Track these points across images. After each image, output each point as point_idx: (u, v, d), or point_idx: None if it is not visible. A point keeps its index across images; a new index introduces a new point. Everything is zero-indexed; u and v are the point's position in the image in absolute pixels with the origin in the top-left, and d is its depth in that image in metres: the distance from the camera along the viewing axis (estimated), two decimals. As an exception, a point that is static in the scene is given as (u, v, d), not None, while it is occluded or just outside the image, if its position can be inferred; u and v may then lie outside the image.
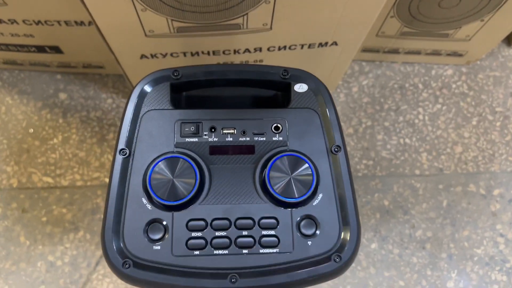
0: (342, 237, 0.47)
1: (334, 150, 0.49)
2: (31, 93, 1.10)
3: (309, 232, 0.47)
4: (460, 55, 1.13)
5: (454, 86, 1.17)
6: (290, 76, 0.51)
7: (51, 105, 1.10)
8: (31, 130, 1.08)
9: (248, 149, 0.49)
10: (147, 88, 0.50)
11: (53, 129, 1.08)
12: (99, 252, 1.01)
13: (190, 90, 0.54)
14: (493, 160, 1.11)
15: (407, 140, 1.12)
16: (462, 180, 1.09)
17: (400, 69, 1.18)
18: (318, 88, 0.51)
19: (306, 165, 0.48)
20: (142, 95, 0.50)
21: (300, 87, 0.51)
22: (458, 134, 1.13)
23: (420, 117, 1.14)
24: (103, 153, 1.07)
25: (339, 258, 0.46)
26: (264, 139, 0.49)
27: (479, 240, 1.05)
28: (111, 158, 1.06)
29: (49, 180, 1.05)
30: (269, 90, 0.54)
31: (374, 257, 1.04)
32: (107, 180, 1.05)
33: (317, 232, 0.47)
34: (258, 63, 0.91)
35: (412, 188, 1.08)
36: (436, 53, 1.13)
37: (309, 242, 0.46)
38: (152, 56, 0.80)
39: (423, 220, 1.06)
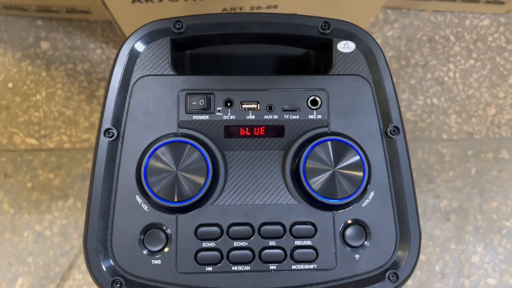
0: (399, 249, 0.36)
1: (391, 132, 0.37)
2: (8, 42, 0.98)
3: (356, 242, 0.37)
4: (501, 2, 1.00)
5: (490, 38, 1.04)
6: (332, 30, 0.38)
7: (32, 56, 0.97)
8: (10, 85, 0.96)
9: (276, 130, 0.38)
10: (140, 46, 0.38)
11: (36, 83, 0.96)
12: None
13: (197, 48, 0.41)
14: (529, 124, 1.00)
15: (435, 100, 1.01)
16: (494, 145, 1.00)
17: (430, 19, 1.05)
18: (370, 47, 0.38)
19: (355, 154, 0.36)
20: (133, 55, 0.37)
21: (346, 46, 0.38)
22: (492, 94, 1.01)
23: (451, 74, 1.02)
24: (92, 111, 0.95)
25: (395, 276, 0.36)
26: (298, 117, 0.38)
27: (509, 212, 0.97)
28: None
29: (33, 141, 0.95)
30: (303, 49, 0.41)
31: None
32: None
33: (367, 242, 0.37)
34: (271, 8, 0.78)
35: (438, 154, 0.99)
36: (473, 0, 0.99)
37: (357, 256, 0.37)
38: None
39: (448, 189, 0.98)
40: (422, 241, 0.97)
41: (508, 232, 0.96)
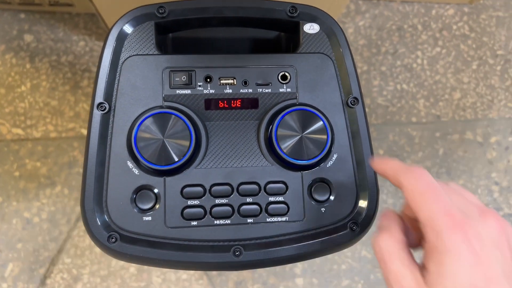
0: (359, 202, 0.41)
1: (351, 103, 0.42)
2: (-9, 35, 0.99)
3: (322, 197, 0.41)
4: (464, -7, 1.05)
5: (455, 27, 1.09)
6: (298, 13, 0.43)
7: (15, 48, 0.99)
8: (-5, 77, 0.97)
9: (251, 102, 0.42)
10: (127, 29, 0.42)
11: (20, 75, 0.98)
12: (79, 208, 0.95)
13: (178, 31, 0.45)
14: (491, 107, 1.06)
15: (404, 86, 1.06)
16: (460, 127, 1.05)
17: (398, 9, 1.10)
18: (332, 28, 0.43)
19: (320, 121, 0.41)
20: (122, 37, 0.41)
21: (311, 28, 0.43)
22: (457, 79, 1.07)
23: (419, 61, 1.07)
24: (77, 101, 0.97)
25: (356, 226, 0.40)
26: (270, 90, 0.42)
27: (473, 189, 1.02)
28: (86, 107, 0.97)
29: (20, 131, 0.96)
30: (274, 31, 0.46)
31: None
32: (83, 131, 0.96)
33: (331, 197, 0.42)
34: None
35: (408, 137, 1.04)
36: (438, -10, 1.04)
37: (323, 209, 0.41)
38: (129, -9, 0.70)
39: (418, 169, 1.03)
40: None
41: (473, 207, 1.02)
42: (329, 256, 0.97)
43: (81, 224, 0.95)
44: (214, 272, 0.93)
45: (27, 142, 0.96)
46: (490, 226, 0.29)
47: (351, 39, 1.07)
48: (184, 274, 0.93)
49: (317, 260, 0.96)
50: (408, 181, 0.30)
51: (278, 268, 0.95)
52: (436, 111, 1.05)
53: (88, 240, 0.94)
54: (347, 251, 0.97)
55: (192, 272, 0.93)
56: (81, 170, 0.96)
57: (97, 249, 0.93)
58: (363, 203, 0.41)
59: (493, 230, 0.28)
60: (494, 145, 1.05)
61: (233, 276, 0.94)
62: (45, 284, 0.92)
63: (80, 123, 0.98)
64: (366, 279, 0.96)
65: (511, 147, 1.04)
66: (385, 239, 0.30)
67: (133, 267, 0.93)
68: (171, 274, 0.93)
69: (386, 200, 1.00)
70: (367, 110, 1.04)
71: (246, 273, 0.94)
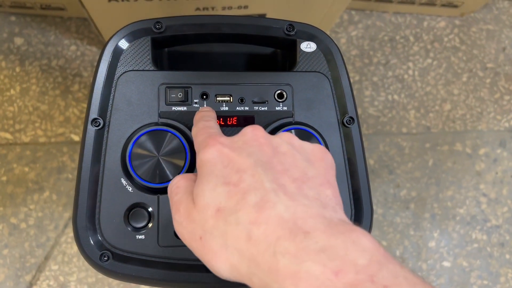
0: (352, 221, 0.41)
1: (347, 122, 0.42)
2: (-20, 37, 0.97)
3: (317, 217, 0.41)
4: (455, 6, 1.06)
5: (446, 39, 1.11)
6: (296, 32, 0.43)
7: (5, 51, 0.97)
8: (-17, 79, 0.96)
9: (247, 120, 0.42)
10: (123, 44, 0.41)
11: (9, 78, 0.96)
12: (67, 214, 0.94)
13: (175, 46, 0.45)
14: (481, 119, 1.08)
15: (396, 97, 1.06)
16: (449, 138, 1.06)
17: (391, 20, 1.10)
18: (328, 47, 0.43)
19: (315, 139, 0.41)
20: (117, 52, 0.41)
21: (308, 46, 0.43)
22: (447, 91, 1.08)
23: (410, 72, 1.08)
24: (68, 106, 0.96)
25: (350, 246, 0.40)
26: (266, 108, 0.42)
27: (462, 200, 1.04)
28: (77, 112, 0.96)
29: (8, 136, 0.95)
30: (271, 48, 0.45)
31: (357, 218, 1.01)
32: (73, 136, 0.95)
33: (326, 217, 0.41)
34: (242, 8, 0.82)
35: (398, 147, 1.05)
36: (430, 3, 1.06)
37: (317, 229, 0.40)
38: (122, -2, 0.70)
39: (408, 179, 1.04)
40: (384, 228, 1.04)
41: (461, 218, 1.03)
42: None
43: (69, 231, 0.94)
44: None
45: (16, 146, 0.95)
46: (245, 134, 0.30)
47: (344, 49, 1.07)
48: (173, 283, 0.92)
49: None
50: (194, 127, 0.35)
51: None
52: (427, 122, 1.06)
53: (76, 247, 0.93)
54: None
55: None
56: (70, 176, 0.95)
57: (85, 257, 0.92)
58: (357, 224, 0.41)
59: (247, 134, 0.30)
60: (483, 157, 1.06)
61: (222, 285, 0.93)
62: (31, 291, 0.90)
63: (70, 128, 0.97)
64: None
65: (500, 159, 1.05)
66: (179, 179, 0.32)
67: (121, 275, 0.92)
68: (160, 282, 0.92)
69: (376, 210, 1.01)
70: (358, 120, 1.05)
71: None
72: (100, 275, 0.91)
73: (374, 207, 1.01)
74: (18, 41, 0.98)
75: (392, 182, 1.03)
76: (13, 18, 0.98)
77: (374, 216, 1.00)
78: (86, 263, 0.92)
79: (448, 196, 1.04)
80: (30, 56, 0.97)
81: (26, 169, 0.94)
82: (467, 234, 1.02)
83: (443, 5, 1.06)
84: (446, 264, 1.01)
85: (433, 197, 1.03)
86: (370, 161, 1.04)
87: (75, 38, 0.99)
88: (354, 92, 1.06)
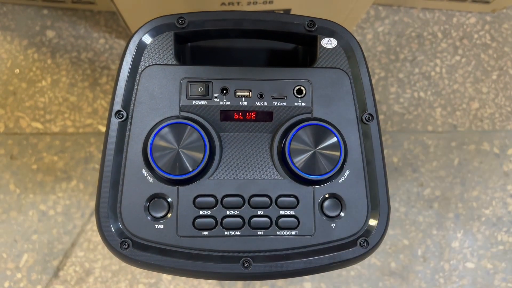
0: (370, 220, 0.41)
1: (366, 119, 0.42)
2: (15, 30, 1.01)
3: (333, 213, 0.42)
4: (486, 2, 1.03)
5: (476, 36, 1.08)
6: (317, 28, 0.43)
7: (38, 44, 1.00)
8: (17, 71, 0.99)
9: (266, 115, 0.42)
10: (147, 39, 0.42)
11: (41, 70, 1.00)
12: (93, 203, 0.97)
13: (197, 41, 0.46)
14: (510, 118, 1.05)
15: (422, 94, 1.05)
16: (476, 138, 1.04)
17: (419, 16, 1.08)
18: (349, 44, 0.43)
19: (333, 137, 0.41)
20: (141, 46, 0.42)
21: (329, 42, 0.43)
22: (476, 89, 1.06)
23: (437, 69, 1.06)
24: (96, 98, 0.99)
25: (366, 243, 0.41)
26: (285, 104, 0.42)
27: (488, 201, 1.01)
28: (104, 104, 0.99)
29: (39, 125, 0.98)
30: (291, 44, 0.46)
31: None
32: (100, 127, 0.98)
33: (342, 213, 0.42)
34: (267, 3, 0.82)
35: (423, 145, 1.03)
36: (460, -2, 1.03)
37: (333, 225, 0.41)
38: (149, -7, 0.71)
39: (432, 178, 1.02)
40: (406, 227, 1.03)
41: (487, 219, 1.01)
42: (338, 262, 0.97)
43: (94, 219, 0.97)
44: (223, 273, 0.94)
45: (46, 136, 0.98)
46: None
47: (370, 45, 1.06)
48: (193, 273, 0.94)
49: (326, 265, 0.96)
50: None
51: (286, 272, 0.95)
52: (453, 120, 1.04)
53: (101, 235, 0.96)
54: (356, 258, 0.97)
55: (201, 271, 0.94)
56: (96, 166, 0.98)
57: (110, 245, 0.95)
58: (373, 221, 0.41)
59: None
60: (511, 157, 1.03)
61: (241, 277, 0.94)
62: (58, 276, 0.94)
63: (97, 119, 0.99)
64: (374, 287, 0.96)
65: (529, 160, 1.02)
66: None
67: (144, 264, 0.94)
68: (181, 272, 0.94)
69: (399, 209, 1.00)
70: (383, 117, 1.04)
71: (254, 275, 0.95)
72: (124, 263, 0.94)
73: (397, 205, 1.01)
74: (50, 34, 1.01)
75: (416, 181, 1.02)
76: (45, 11, 1.02)
77: (396, 214, 0.99)
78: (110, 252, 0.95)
79: (473, 196, 1.02)
80: (61, 48, 1.00)
81: (55, 158, 0.97)
82: (493, 235, 1.00)
83: (474, 1, 1.03)
84: (469, 265, 0.99)
85: (458, 197, 1.01)
86: (394, 159, 1.02)
87: (104, 31, 1.01)
88: (379, 89, 1.05)
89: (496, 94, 1.06)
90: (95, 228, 0.97)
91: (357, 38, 1.07)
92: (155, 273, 0.94)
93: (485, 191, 1.02)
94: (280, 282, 0.95)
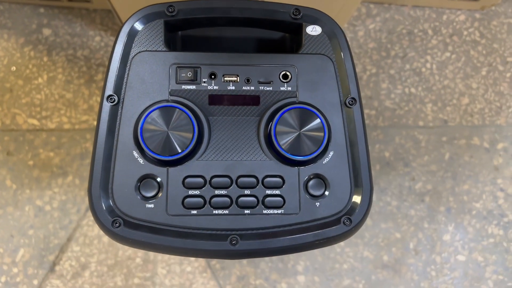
0: (353, 199, 0.43)
1: (349, 103, 0.44)
2: (12, 28, 1.02)
3: (317, 192, 0.43)
4: (476, -1, 1.05)
5: (465, 33, 1.10)
6: (302, 16, 0.45)
7: (34, 42, 1.02)
8: (14, 68, 1.01)
9: (253, 99, 0.44)
10: (138, 26, 0.44)
11: (37, 67, 1.01)
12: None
13: (186, 29, 0.47)
14: (499, 113, 1.07)
15: (413, 90, 1.06)
16: (466, 132, 1.06)
17: (409, 13, 1.10)
18: (333, 31, 0.44)
19: (317, 119, 0.42)
20: (132, 33, 0.44)
21: (313, 30, 0.44)
22: (466, 84, 1.07)
23: (428, 65, 1.08)
24: (91, 95, 1.00)
25: (349, 221, 0.42)
26: (271, 88, 0.44)
27: (478, 194, 1.03)
28: (100, 100, 1.00)
29: (35, 122, 0.99)
30: (278, 31, 0.47)
31: (371, 209, 1.02)
32: (95, 123, 0.99)
33: (326, 192, 0.43)
34: None
35: (415, 140, 1.05)
36: (450, -4, 1.05)
37: (317, 203, 0.43)
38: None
39: (423, 173, 1.03)
40: (398, 220, 1.04)
41: (477, 213, 1.02)
42: (331, 255, 0.98)
43: (90, 214, 0.98)
44: (218, 266, 0.96)
45: (42, 132, 0.99)
46: None
47: (361, 42, 1.08)
48: (188, 267, 0.95)
49: (319, 258, 0.97)
50: None
51: (280, 265, 0.96)
52: (444, 115, 1.06)
53: (96, 230, 0.97)
54: (349, 251, 0.98)
55: (196, 264, 0.95)
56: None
57: (105, 239, 0.96)
58: (357, 199, 0.42)
59: None
60: (501, 151, 1.05)
61: (235, 270, 0.96)
62: (54, 270, 0.95)
63: (93, 116, 1.01)
64: (367, 279, 0.97)
65: (518, 154, 1.04)
66: None
67: (139, 258, 0.95)
68: (176, 266, 0.95)
69: (390, 202, 1.02)
70: (374, 112, 1.06)
71: (248, 268, 0.96)
72: (120, 258, 0.95)
73: (389, 199, 1.02)
74: (46, 32, 1.02)
75: (408, 175, 1.03)
76: (42, 10, 1.03)
77: (388, 208, 1.01)
78: (106, 246, 0.96)
79: (464, 190, 1.03)
80: (57, 46, 1.02)
81: (51, 154, 0.99)
82: (483, 228, 1.02)
83: (463, -2, 1.05)
84: (460, 258, 1.00)
85: (449, 190, 1.03)
86: (386, 154, 1.04)
87: (100, 29, 1.03)
88: (371, 85, 1.06)
89: (485, 89, 1.07)
90: (91, 223, 0.98)
91: (349, 35, 1.09)
92: (150, 267, 0.95)
93: (475, 185, 1.03)
94: (274, 275, 0.96)
